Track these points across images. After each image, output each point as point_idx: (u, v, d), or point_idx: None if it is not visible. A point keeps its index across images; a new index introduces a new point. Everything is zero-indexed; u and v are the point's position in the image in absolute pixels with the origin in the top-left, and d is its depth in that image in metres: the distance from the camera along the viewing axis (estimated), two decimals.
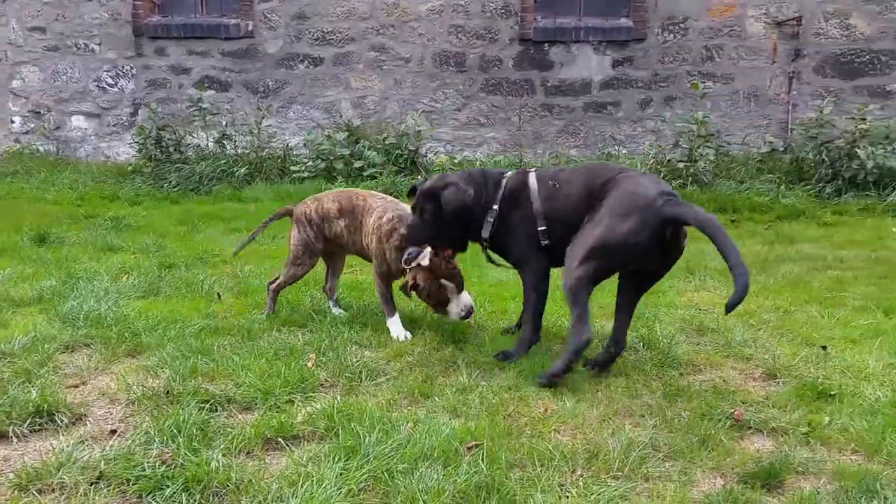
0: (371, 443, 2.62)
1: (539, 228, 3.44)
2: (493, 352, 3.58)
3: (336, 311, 4.22)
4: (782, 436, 2.75)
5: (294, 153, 8.47)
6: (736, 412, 2.89)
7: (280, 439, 2.72)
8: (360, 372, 3.34)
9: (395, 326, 3.87)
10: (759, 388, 3.19)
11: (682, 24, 8.55)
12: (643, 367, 3.42)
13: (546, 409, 2.99)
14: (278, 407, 2.97)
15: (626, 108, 8.81)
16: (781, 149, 7.40)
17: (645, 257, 3.16)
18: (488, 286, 4.80)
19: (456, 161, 7.98)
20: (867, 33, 8.31)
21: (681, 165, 7.13)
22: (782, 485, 2.46)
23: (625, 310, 3.41)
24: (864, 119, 7.12)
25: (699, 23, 8.52)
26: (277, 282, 4.17)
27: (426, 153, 8.32)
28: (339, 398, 3.06)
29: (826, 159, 7.03)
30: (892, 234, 6.12)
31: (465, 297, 3.72)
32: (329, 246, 4.15)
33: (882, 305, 4.23)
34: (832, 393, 3.03)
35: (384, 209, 3.89)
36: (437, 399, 3.10)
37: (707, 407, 2.96)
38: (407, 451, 2.57)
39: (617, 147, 8.68)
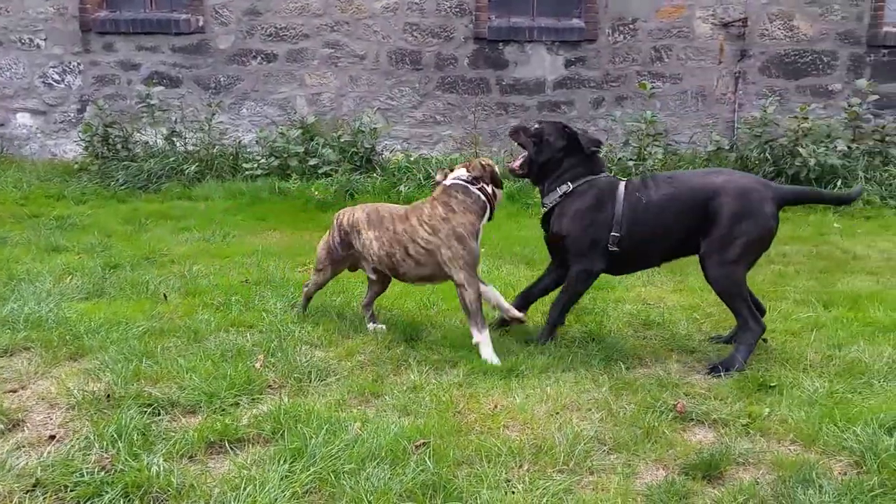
0: (317, 444, 2.60)
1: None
2: (445, 349, 3.58)
3: (372, 326, 3.93)
4: (723, 427, 2.82)
5: (247, 150, 8.36)
6: (679, 404, 2.95)
7: (224, 443, 2.68)
8: (310, 372, 3.31)
9: (486, 349, 3.46)
10: (701, 381, 3.25)
11: (631, 25, 8.67)
12: (591, 361, 3.46)
13: (496, 406, 3.00)
14: (223, 410, 2.93)
15: (579, 108, 8.90)
16: (727, 147, 7.57)
17: None
18: (444, 284, 4.80)
19: (412, 159, 7.96)
20: (810, 34, 8.54)
21: (631, 163, 7.24)
22: (723, 475, 2.52)
23: None
24: (807, 118, 7.32)
25: (648, 24, 8.65)
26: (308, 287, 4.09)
27: (382, 151, 8.29)
28: (286, 399, 3.03)
29: (770, 157, 7.20)
30: (833, 229, 6.31)
31: None
32: (354, 259, 3.96)
33: (822, 299, 4.35)
34: (772, 385, 3.11)
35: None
36: (387, 398, 3.09)
37: (651, 400, 3.02)
38: (354, 452, 2.56)
39: None
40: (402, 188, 7.33)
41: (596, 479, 2.50)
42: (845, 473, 2.48)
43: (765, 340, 3.61)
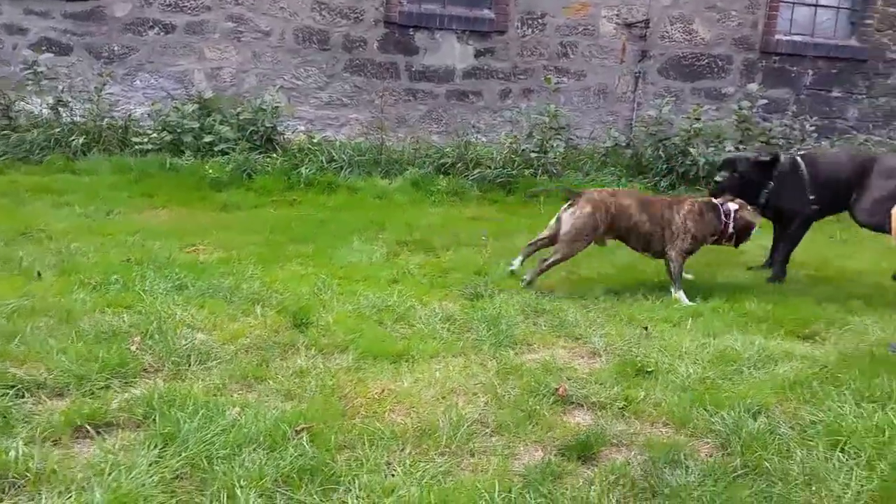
0: (191, 429, 2.51)
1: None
2: (337, 333, 3.53)
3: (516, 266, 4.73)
4: (601, 410, 2.90)
5: (139, 124, 7.98)
6: (560, 388, 3.01)
7: (92, 427, 2.55)
8: (189, 356, 3.19)
9: (683, 297, 4.38)
10: (584, 366, 3.34)
11: (540, 20, 8.79)
12: (481, 346, 3.49)
13: (383, 390, 2.98)
14: (93, 393, 2.78)
15: (486, 98, 8.97)
16: (624, 144, 7.79)
17: None
18: (338, 268, 4.74)
19: (315, 141, 7.80)
20: (707, 38, 8.90)
21: (533, 155, 7.37)
22: (597, 456, 2.59)
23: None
24: (699, 119, 7.64)
25: (556, 19, 8.79)
26: (552, 259, 4.50)
27: (284, 131, 8.08)
28: (161, 383, 2.91)
29: (662, 155, 7.47)
30: None
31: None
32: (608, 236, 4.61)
33: (702, 291, 4.53)
34: (649, 370, 3.22)
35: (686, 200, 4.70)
36: (270, 383, 3.01)
37: (535, 384, 3.06)
38: (230, 437, 2.48)
39: (477, 135, 8.81)
40: (303, 170, 7.17)
41: (476, 461, 2.52)
42: (711, 455, 2.59)
43: (645, 329, 3.74)
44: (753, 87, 8.31)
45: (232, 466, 2.33)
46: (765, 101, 8.36)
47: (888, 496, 2.26)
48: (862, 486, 2.31)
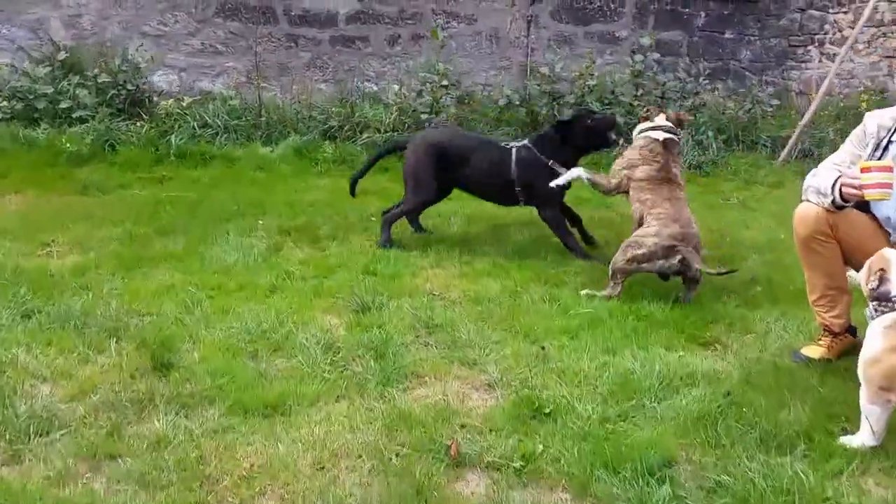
0: None
1: None
2: (202, 377, 3.14)
3: None
4: (496, 472, 2.63)
5: None
6: (453, 445, 2.74)
7: None
8: (30, 426, 2.74)
9: None
10: (479, 405, 3.06)
11: None
12: (367, 385, 3.19)
13: (252, 466, 2.63)
14: None
15: (374, 45, 8.40)
16: (517, 102, 7.44)
17: None
18: (211, 273, 4.30)
19: (184, 104, 7.06)
20: None
21: (424, 117, 6.95)
22: None
23: None
24: (593, 75, 7.37)
25: None
26: None
27: (150, 91, 7.27)
28: None
29: (556, 114, 7.19)
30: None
31: None
32: None
33: (601, 280, 4.31)
34: (547, 411, 2.96)
35: None
36: (124, 461, 2.61)
37: (427, 438, 2.79)
38: None
39: (366, 83, 8.29)
40: (173, 139, 6.49)
41: None
42: None
43: (543, 348, 3.52)
44: (646, 41, 7.96)
45: None
46: (657, 54, 8.11)
47: None
48: None
